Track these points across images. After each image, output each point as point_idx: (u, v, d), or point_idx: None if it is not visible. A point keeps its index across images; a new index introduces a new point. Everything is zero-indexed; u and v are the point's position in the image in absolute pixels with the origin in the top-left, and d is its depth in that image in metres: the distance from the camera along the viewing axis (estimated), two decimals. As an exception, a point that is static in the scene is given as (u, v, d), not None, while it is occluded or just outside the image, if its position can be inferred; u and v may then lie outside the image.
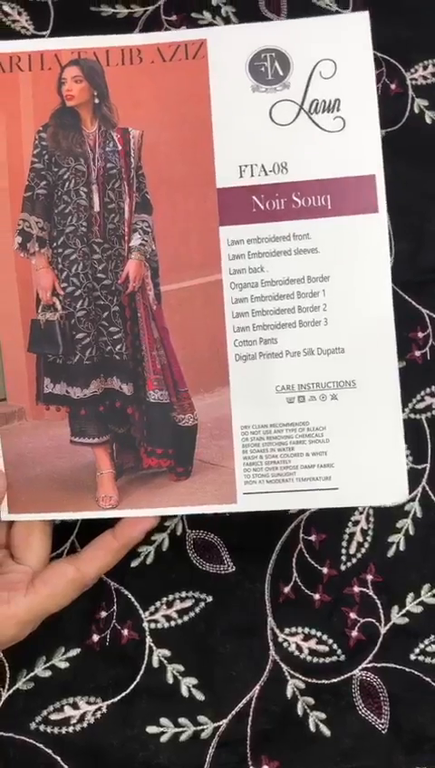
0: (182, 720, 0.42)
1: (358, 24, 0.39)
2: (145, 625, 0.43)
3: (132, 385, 0.39)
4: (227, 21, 0.48)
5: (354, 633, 0.44)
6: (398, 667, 0.43)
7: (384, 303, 0.38)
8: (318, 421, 0.38)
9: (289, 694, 0.43)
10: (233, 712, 0.42)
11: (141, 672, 0.43)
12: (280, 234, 0.39)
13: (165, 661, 0.43)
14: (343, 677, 0.43)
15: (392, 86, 0.48)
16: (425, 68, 0.48)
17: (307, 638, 0.44)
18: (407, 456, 0.45)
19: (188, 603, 0.44)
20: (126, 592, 0.44)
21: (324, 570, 0.44)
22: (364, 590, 0.44)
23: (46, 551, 0.40)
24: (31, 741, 0.42)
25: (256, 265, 0.39)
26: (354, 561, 0.45)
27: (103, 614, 0.44)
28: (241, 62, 0.39)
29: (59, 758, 0.42)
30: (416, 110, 0.48)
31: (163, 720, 0.42)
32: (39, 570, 0.39)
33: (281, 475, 0.38)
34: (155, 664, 0.43)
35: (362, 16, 0.39)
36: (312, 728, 0.42)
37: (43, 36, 0.48)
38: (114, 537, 0.39)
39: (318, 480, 0.38)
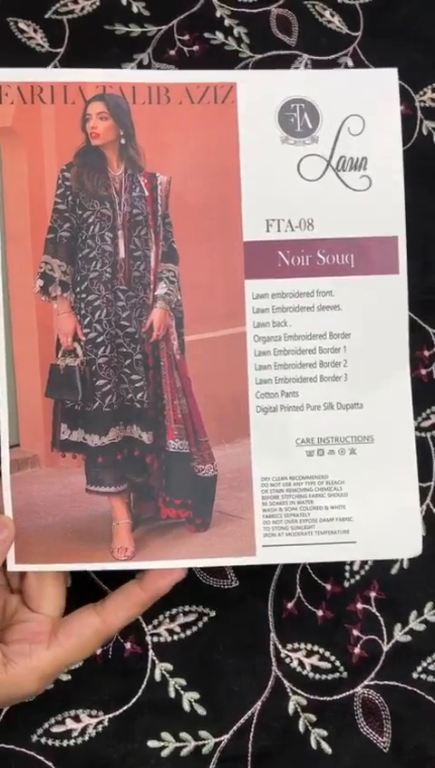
0: (183, 735, 0.42)
1: (386, 80, 0.40)
2: (148, 638, 0.43)
3: (152, 434, 0.39)
4: (239, 42, 0.48)
5: (357, 650, 0.44)
6: (400, 685, 0.44)
7: (402, 362, 0.39)
8: (337, 475, 0.39)
9: (291, 710, 0.43)
10: (234, 728, 0.43)
11: (143, 686, 0.43)
12: (304, 290, 0.39)
13: (167, 675, 0.43)
14: (344, 695, 0.44)
15: (401, 108, 0.49)
16: (434, 91, 0.50)
17: (310, 654, 0.44)
18: None
19: (192, 617, 0.44)
20: (129, 605, 0.44)
21: (328, 586, 0.45)
22: (367, 607, 0.45)
23: (62, 599, 0.39)
24: (32, 753, 0.42)
25: (280, 320, 0.39)
26: (358, 577, 0.45)
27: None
28: (271, 110, 0.39)
29: (59, 771, 0.41)
30: (424, 132, 0.49)
31: (164, 734, 0.42)
32: (56, 617, 0.38)
33: (300, 528, 0.39)
34: (157, 678, 0.43)
35: (391, 73, 0.40)
36: (313, 745, 0.43)
37: (57, 53, 0.46)
38: (141, 588, 0.38)
39: (337, 533, 0.39)
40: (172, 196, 0.39)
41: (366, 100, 0.39)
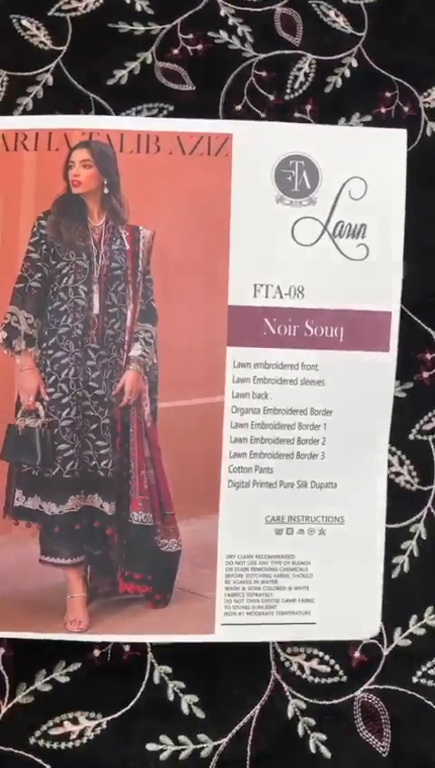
0: (182, 738, 0.42)
1: (395, 142, 0.37)
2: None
3: (115, 504, 0.37)
4: (243, 41, 0.45)
5: (357, 654, 0.43)
6: (400, 689, 0.43)
7: (381, 444, 0.38)
8: (304, 555, 0.38)
9: (290, 714, 0.43)
10: (233, 731, 0.42)
11: (142, 688, 0.42)
12: (288, 362, 0.37)
13: (166, 678, 0.42)
14: (344, 699, 0.43)
15: (406, 109, 0.47)
16: (439, 92, 0.48)
17: (309, 657, 0.43)
18: (413, 477, 0.44)
19: (192, 621, 0.43)
20: (129, 608, 0.42)
21: (328, 590, 0.43)
22: (368, 611, 0.44)
23: None
24: (30, 756, 0.40)
25: (261, 391, 0.37)
26: (358, 582, 0.44)
27: (105, 629, 0.42)
28: (268, 166, 0.36)
29: (57, 774, 0.40)
30: (428, 134, 0.47)
31: (163, 737, 0.42)
32: None
33: (262, 608, 0.37)
34: (156, 680, 0.42)
35: (399, 134, 0.37)
36: (312, 749, 0.42)
37: (60, 51, 0.43)
38: None
39: (298, 614, 0.38)
40: (155, 252, 0.35)
41: (371, 161, 0.37)
